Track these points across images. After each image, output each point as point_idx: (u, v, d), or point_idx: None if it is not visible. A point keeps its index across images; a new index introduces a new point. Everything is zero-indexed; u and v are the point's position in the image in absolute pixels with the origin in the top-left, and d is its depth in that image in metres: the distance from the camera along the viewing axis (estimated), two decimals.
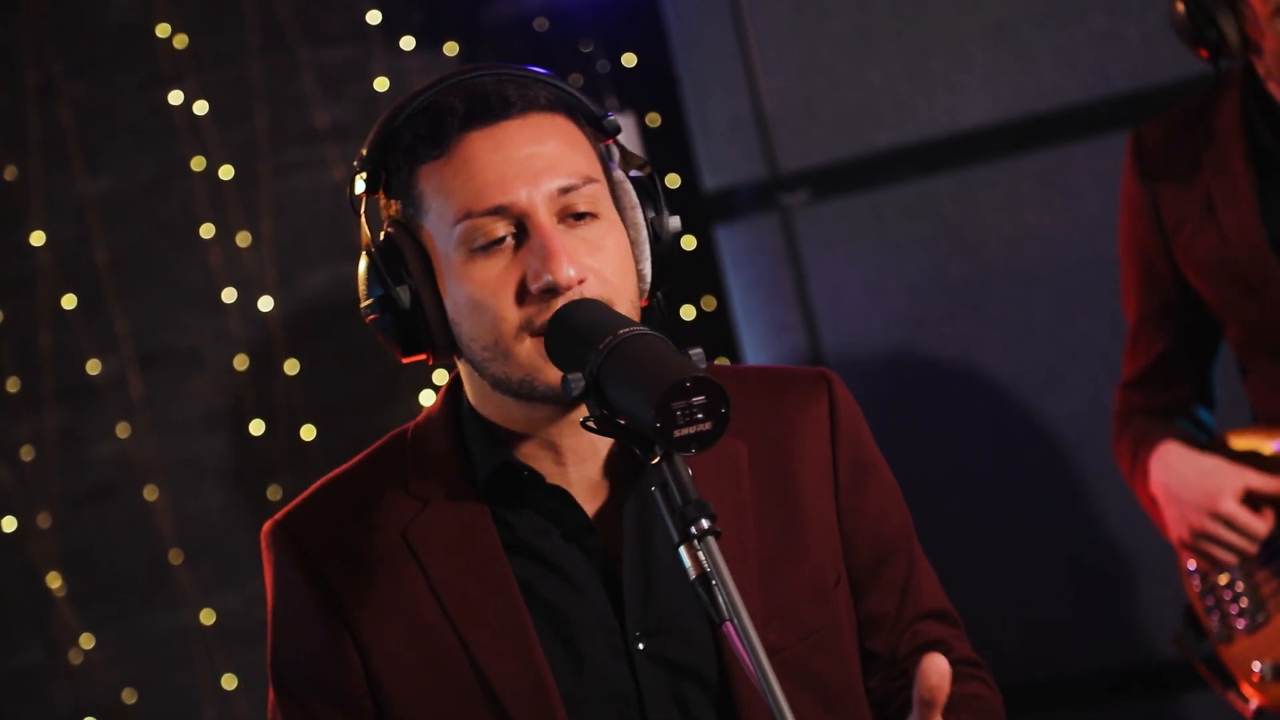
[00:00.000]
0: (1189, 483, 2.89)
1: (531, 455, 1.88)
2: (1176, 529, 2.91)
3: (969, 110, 3.78)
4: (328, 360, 3.96)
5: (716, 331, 3.93)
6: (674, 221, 1.89)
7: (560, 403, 1.80)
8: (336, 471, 1.96)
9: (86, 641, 3.89)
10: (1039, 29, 3.71)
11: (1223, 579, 2.92)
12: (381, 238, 1.85)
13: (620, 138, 1.90)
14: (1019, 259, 3.77)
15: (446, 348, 1.84)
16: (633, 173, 1.90)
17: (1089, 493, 3.75)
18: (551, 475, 1.88)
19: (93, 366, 3.92)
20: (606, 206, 1.84)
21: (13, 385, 3.91)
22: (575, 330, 1.73)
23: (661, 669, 1.85)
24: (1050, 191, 3.73)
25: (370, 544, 1.88)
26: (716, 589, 1.61)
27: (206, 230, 3.93)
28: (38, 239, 3.91)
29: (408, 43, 3.91)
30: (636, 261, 1.86)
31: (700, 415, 1.60)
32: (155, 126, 3.93)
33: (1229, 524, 2.84)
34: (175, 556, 3.92)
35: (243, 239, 3.93)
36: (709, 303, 3.95)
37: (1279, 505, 2.85)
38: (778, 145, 3.91)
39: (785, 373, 2.01)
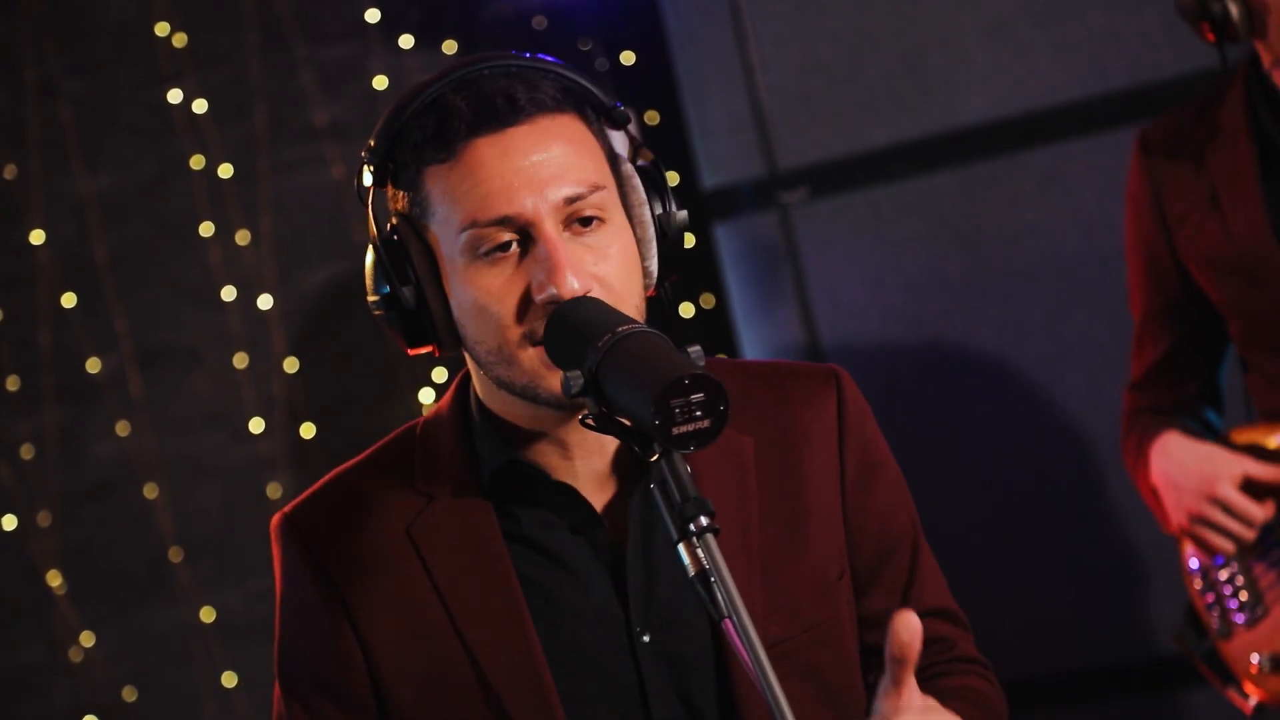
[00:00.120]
0: (1188, 469, 2.89)
1: (539, 451, 1.88)
2: (1175, 515, 2.91)
3: (967, 107, 3.78)
4: (327, 358, 3.97)
5: (715, 329, 3.94)
6: (681, 215, 1.89)
7: (563, 408, 1.80)
8: (346, 465, 1.96)
9: (87, 639, 3.90)
10: (1037, 26, 3.72)
11: (1223, 574, 2.92)
12: (389, 232, 1.85)
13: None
14: (1017, 256, 3.77)
15: (452, 343, 1.85)
16: (640, 163, 1.90)
17: (1088, 489, 3.75)
18: (559, 470, 1.88)
19: (92, 365, 3.93)
20: (613, 210, 1.84)
21: (12, 384, 3.92)
22: (574, 328, 1.73)
23: (664, 663, 1.86)
24: (1049, 189, 3.74)
25: (375, 540, 1.89)
26: (715, 586, 1.61)
27: (206, 228, 3.93)
28: (37, 237, 3.91)
29: (406, 41, 3.91)
30: (643, 259, 1.87)
31: (699, 413, 1.60)
32: (154, 125, 3.93)
33: (1226, 509, 2.84)
34: (175, 554, 3.92)
35: (242, 237, 3.93)
36: (708, 300, 3.95)
37: (1279, 497, 2.85)
38: (776, 143, 3.91)
39: (794, 368, 2.01)
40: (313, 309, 3.96)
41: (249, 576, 3.90)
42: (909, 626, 1.66)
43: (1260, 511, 2.83)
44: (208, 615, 3.92)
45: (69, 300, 3.92)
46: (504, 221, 1.78)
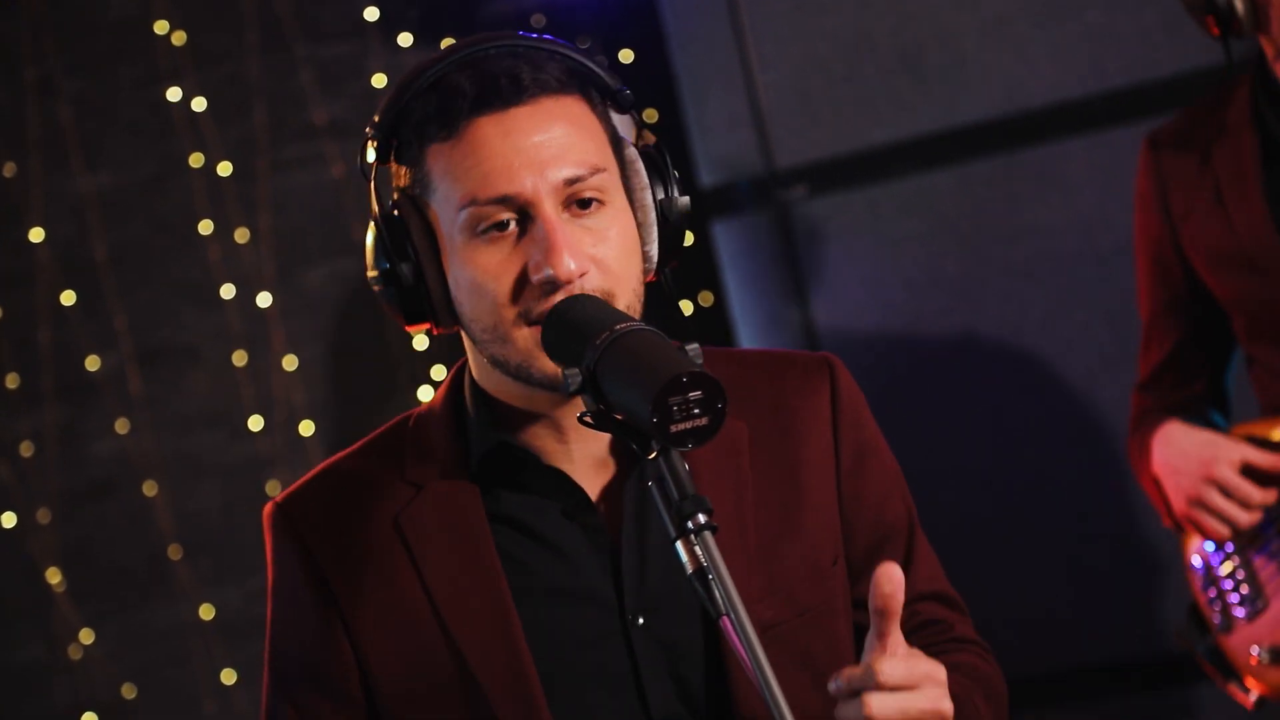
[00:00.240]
0: (1188, 453, 2.91)
1: (534, 434, 1.88)
2: (1176, 500, 2.92)
3: (966, 106, 3.78)
4: (326, 356, 3.97)
5: (713, 327, 3.94)
6: (683, 201, 1.90)
7: (557, 389, 1.79)
8: (338, 456, 1.97)
9: (86, 637, 3.90)
10: (1036, 25, 3.72)
11: (1224, 569, 2.93)
12: (390, 208, 1.85)
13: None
14: (1016, 254, 3.77)
15: (449, 321, 1.85)
16: (644, 146, 1.90)
17: (1086, 487, 3.75)
18: (554, 454, 1.88)
19: (92, 363, 3.93)
20: (614, 193, 1.84)
21: (12, 382, 3.92)
22: (572, 326, 1.74)
23: (659, 646, 1.86)
24: (1047, 187, 3.74)
25: (364, 531, 1.89)
26: (713, 583, 1.61)
27: (205, 227, 3.93)
28: (36, 235, 3.91)
29: (405, 39, 3.92)
30: (643, 243, 1.87)
31: (697, 410, 1.61)
32: (154, 123, 3.94)
33: (1225, 492, 2.85)
34: (174, 552, 3.93)
35: (241, 235, 3.93)
36: (706, 298, 3.96)
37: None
38: (775, 141, 3.91)
39: (787, 356, 2.02)
40: (312, 307, 3.97)
41: (248, 574, 3.90)
42: (891, 579, 1.66)
43: (1258, 493, 2.84)
44: (207, 613, 3.92)
45: (68, 298, 3.92)
46: (503, 200, 1.78)
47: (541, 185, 1.78)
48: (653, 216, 1.88)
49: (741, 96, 3.92)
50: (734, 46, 3.91)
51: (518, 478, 1.89)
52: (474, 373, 1.92)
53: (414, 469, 1.91)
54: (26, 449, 3.91)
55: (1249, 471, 2.86)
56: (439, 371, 3.89)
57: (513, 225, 1.80)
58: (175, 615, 3.92)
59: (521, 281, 1.79)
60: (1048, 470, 3.78)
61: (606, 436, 1.88)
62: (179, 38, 3.92)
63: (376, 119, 1.85)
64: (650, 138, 1.91)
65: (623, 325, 1.69)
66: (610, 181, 1.84)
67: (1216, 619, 2.95)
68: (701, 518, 1.62)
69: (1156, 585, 3.71)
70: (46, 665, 3.91)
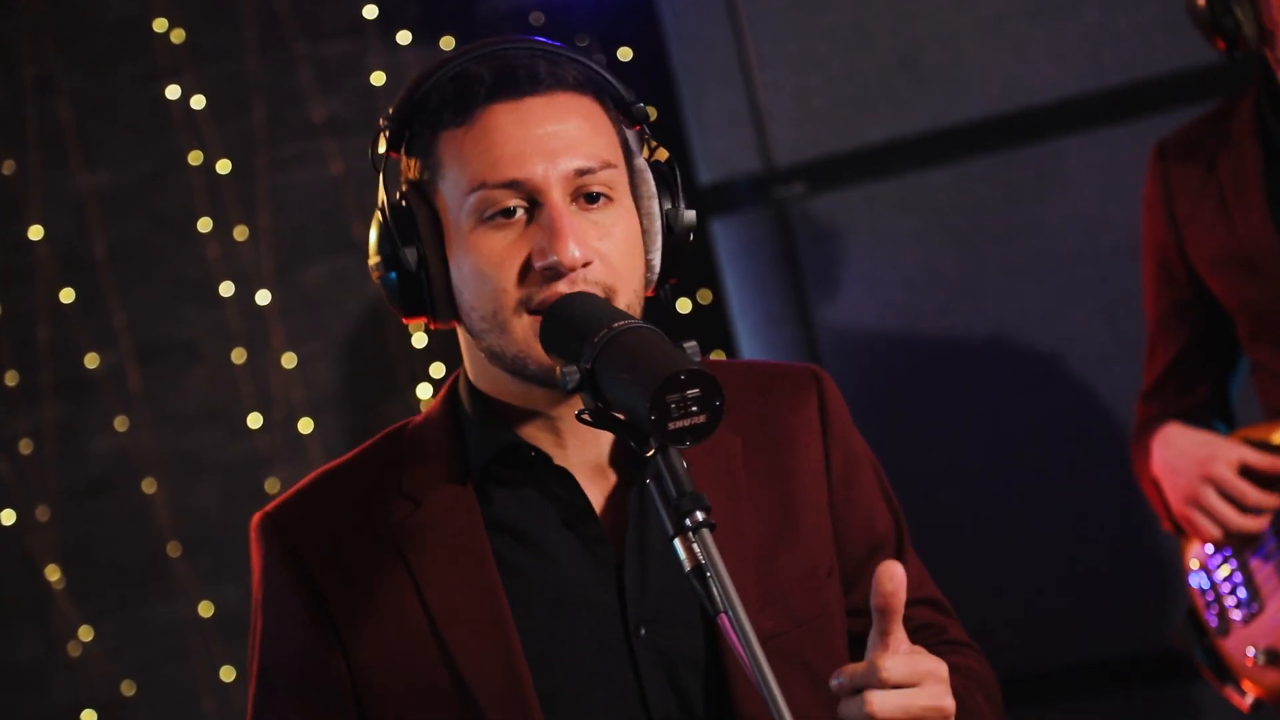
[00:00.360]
0: (1186, 453, 2.92)
1: (531, 435, 1.87)
2: (1173, 500, 2.93)
3: (964, 104, 3.78)
4: (325, 354, 3.97)
5: (712, 325, 3.94)
6: (689, 215, 1.90)
7: (552, 386, 1.78)
8: (332, 464, 1.95)
9: (85, 634, 3.91)
10: (1033, 23, 3.72)
11: (1221, 572, 2.93)
12: (397, 199, 1.85)
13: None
14: (1013, 252, 3.78)
15: (447, 312, 1.85)
16: (654, 160, 1.91)
17: (1084, 485, 3.75)
18: (552, 457, 1.87)
19: (91, 360, 3.93)
20: (622, 192, 1.84)
21: (11, 379, 3.92)
22: (570, 323, 1.73)
23: (660, 657, 1.85)
24: (1045, 185, 3.74)
25: (358, 541, 1.87)
26: (711, 581, 1.61)
27: (204, 224, 3.94)
28: (36, 233, 3.92)
29: (404, 37, 3.92)
30: (646, 250, 1.87)
31: (695, 408, 1.61)
32: (153, 121, 3.94)
33: (1222, 492, 2.86)
34: (173, 549, 3.93)
35: (240, 233, 3.94)
36: (704, 296, 3.96)
37: (1278, 489, 2.86)
38: (773, 139, 3.92)
39: (775, 368, 2.02)
40: (311, 304, 3.97)
41: (247, 572, 3.84)
42: (893, 576, 1.67)
43: (1255, 494, 2.84)
44: (206, 610, 3.92)
45: (68, 296, 3.92)
46: (513, 185, 1.79)
47: (552, 173, 1.79)
48: (658, 225, 1.88)
49: (740, 94, 3.92)
50: (733, 44, 3.92)
51: (518, 483, 1.88)
52: (470, 373, 1.91)
53: (410, 479, 1.89)
54: (26, 446, 3.91)
55: (1248, 473, 2.86)
56: (438, 369, 3.89)
57: (520, 213, 1.80)
58: (174, 613, 3.93)
59: (525, 269, 1.79)
60: (1046, 468, 3.79)
61: (605, 442, 1.88)
62: (178, 36, 3.92)
63: (391, 110, 1.85)
64: (663, 153, 1.92)
65: (621, 323, 1.68)
66: (619, 180, 1.84)
67: (1213, 622, 2.96)
68: (699, 515, 1.62)
69: (1156, 584, 3.71)
70: (46, 663, 3.91)
